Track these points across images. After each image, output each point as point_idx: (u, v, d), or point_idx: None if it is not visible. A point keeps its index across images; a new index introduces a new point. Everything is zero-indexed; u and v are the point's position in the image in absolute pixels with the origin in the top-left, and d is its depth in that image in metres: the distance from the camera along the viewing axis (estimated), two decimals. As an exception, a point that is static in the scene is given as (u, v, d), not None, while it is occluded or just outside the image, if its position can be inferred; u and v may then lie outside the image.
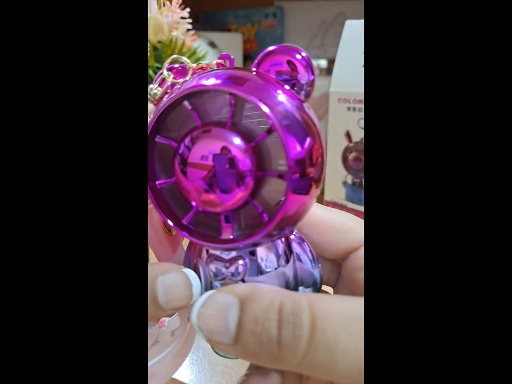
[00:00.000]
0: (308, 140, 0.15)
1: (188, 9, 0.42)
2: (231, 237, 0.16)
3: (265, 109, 0.14)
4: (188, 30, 0.43)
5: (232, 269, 0.16)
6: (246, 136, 0.15)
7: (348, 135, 0.42)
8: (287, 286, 0.17)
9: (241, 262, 0.16)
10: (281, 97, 0.15)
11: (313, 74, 0.16)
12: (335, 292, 0.21)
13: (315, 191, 0.16)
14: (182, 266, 0.16)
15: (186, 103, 0.16)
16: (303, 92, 0.16)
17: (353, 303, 0.14)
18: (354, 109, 0.41)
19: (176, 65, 0.18)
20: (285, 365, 0.14)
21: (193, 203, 0.16)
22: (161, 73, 0.18)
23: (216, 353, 0.18)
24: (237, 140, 0.15)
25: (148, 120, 0.17)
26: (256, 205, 0.16)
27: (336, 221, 0.20)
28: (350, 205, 0.43)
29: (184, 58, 0.18)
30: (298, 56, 0.16)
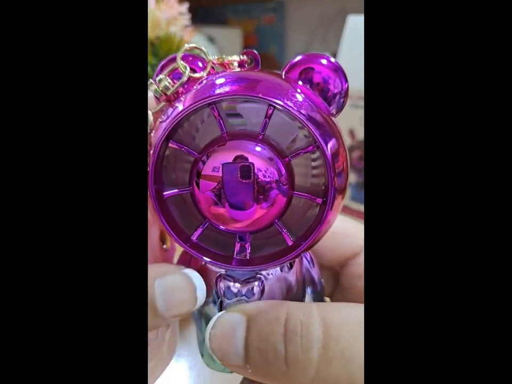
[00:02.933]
0: (342, 158, 0.14)
1: (186, 4, 0.41)
2: (247, 257, 0.15)
3: (312, 127, 0.13)
4: (186, 25, 0.42)
5: (245, 289, 0.15)
6: (278, 150, 0.14)
7: (352, 133, 0.41)
8: (290, 290, 0.16)
9: (256, 283, 0.15)
10: (322, 114, 0.14)
11: (346, 81, 0.16)
12: (332, 301, 0.20)
13: (341, 204, 0.15)
14: (182, 267, 0.15)
15: (213, 108, 0.14)
16: (334, 104, 0.15)
17: (360, 310, 0.13)
18: (357, 106, 0.40)
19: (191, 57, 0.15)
20: (297, 381, 0.12)
21: (213, 220, 0.14)
22: (170, 62, 0.15)
23: (210, 367, 0.17)
24: (266, 152, 0.14)
25: (150, 118, 0.15)
26: (280, 226, 0.14)
27: (334, 226, 0.19)
28: (354, 205, 0.43)
29: (203, 49, 0.15)
30: (326, 63, 0.15)
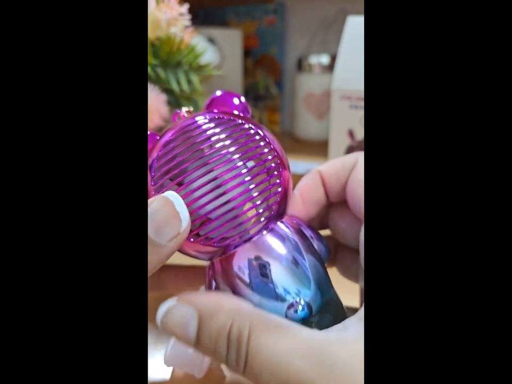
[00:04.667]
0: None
1: (186, 6, 0.41)
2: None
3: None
4: (187, 26, 0.42)
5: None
6: None
7: (351, 134, 0.41)
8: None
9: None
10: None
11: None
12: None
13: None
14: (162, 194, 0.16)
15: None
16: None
17: (286, 343, 0.15)
18: (356, 106, 0.40)
19: None
20: (235, 372, 0.15)
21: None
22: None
23: None
24: None
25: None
26: None
27: (334, 163, 0.21)
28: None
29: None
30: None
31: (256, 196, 0.17)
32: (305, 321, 0.17)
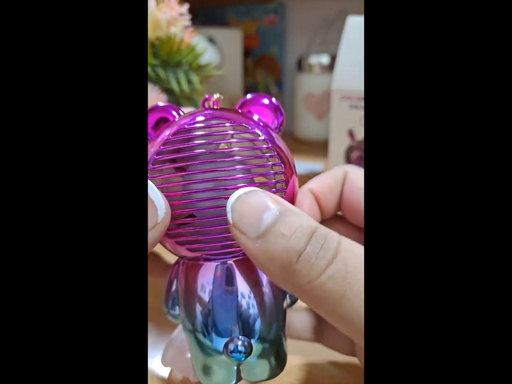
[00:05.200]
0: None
1: (186, 6, 0.41)
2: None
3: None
4: (187, 26, 0.42)
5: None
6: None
7: (351, 134, 0.41)
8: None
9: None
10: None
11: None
12: None
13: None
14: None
15: None
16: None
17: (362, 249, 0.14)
18: (356, 106, 0.40)
19: None
20: (295, 278, 0.14)
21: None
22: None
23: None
24: None
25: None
26: None
27: (324, 179, 0.20)
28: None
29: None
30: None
31: None
32: (241, 361, 0.16)
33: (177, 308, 0.18)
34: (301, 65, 0.70)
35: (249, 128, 0.17)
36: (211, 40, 0.61)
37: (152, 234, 0.15)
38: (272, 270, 0.14)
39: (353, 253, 0.14)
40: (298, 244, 0.14)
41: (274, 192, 0.17)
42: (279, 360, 0.18)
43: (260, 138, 0.17)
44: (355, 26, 0.41)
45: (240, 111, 0.18)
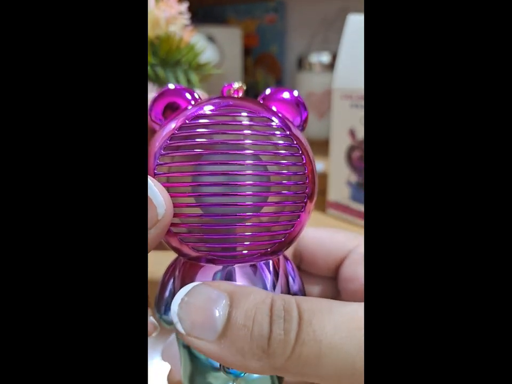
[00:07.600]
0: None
1: (185, 4, 0.41)
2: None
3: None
4: (186, 25, 0.42)
5: None
6: None
7: (352, 133, 0.41)
8: None
9: None
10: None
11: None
12: None
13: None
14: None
15: None
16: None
17: (338, 302, 0.14)
18: (357, 105, 0.40)
19: None
20: (272, 361, 0.13)
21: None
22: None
23: None
24: None
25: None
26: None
27: (323, 237, 0.20)
28: (354, 205, 0.42)
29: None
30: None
31: (264, 224, 0.15)
32: (239, 376, 0.15)
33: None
34: (301, 64, 0.70)
35: (274, 123, 0.16)
36: (211, 39, 0.61)
37: (153, 233, 0.14)
38: (247, 363, 0.13)
39: (312, 311, 0.13)
40: (263, 329, 0.13)
41: (292, 196, 0.15)
42: (280, 376, 0.17)
43: (284, 133, 0.16)
44: (356, 24, 0.41)
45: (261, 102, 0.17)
